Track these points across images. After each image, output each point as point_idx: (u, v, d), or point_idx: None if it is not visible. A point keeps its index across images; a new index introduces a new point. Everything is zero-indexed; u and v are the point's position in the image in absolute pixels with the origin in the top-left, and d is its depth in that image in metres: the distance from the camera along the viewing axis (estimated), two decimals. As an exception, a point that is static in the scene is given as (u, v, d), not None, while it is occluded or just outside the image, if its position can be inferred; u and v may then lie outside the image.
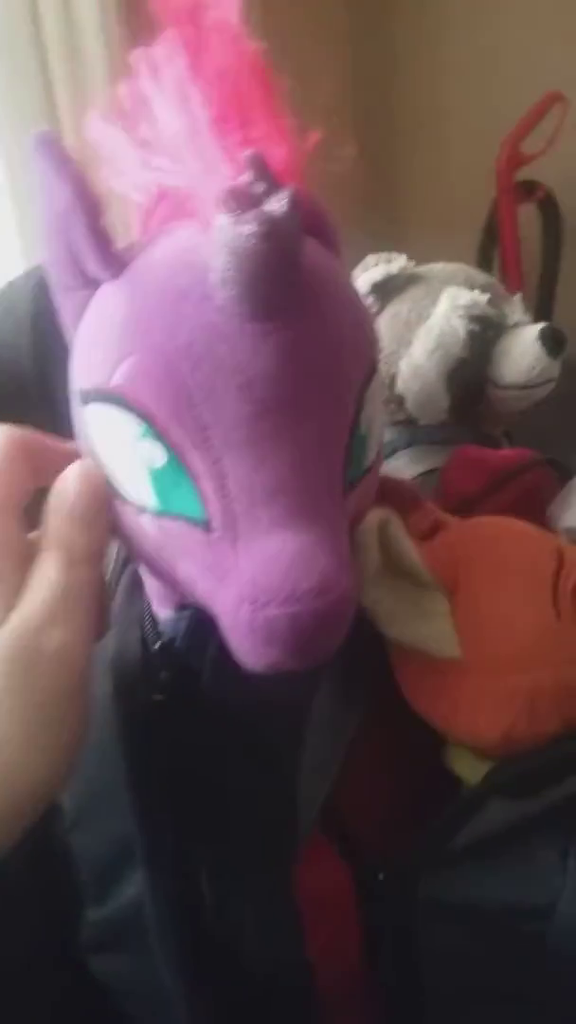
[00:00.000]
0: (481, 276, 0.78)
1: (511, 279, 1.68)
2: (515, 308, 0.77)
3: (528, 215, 1.67)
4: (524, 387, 0.74)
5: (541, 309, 1.68)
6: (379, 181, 1.62)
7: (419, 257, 0.79)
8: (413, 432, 0.75)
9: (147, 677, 0.43)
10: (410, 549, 0.42)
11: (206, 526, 0.34)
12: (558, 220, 1.67)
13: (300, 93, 0.35)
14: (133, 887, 0.45)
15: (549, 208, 1.67)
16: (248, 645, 0.33)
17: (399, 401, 0.74)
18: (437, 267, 0.78)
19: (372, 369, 0.37)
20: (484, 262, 1.69)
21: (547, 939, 0.43)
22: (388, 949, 0.47)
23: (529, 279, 1.70)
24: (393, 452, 0.75)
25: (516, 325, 0.75)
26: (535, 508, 0.66)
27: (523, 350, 0.73)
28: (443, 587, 0.43)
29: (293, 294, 0.33)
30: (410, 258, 0.76)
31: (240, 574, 0.33)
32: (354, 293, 0.38)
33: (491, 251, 1.68)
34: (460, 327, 0.72)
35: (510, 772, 0.44)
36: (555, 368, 0.74)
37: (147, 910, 0.44)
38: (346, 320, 0.35)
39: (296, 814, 0.44)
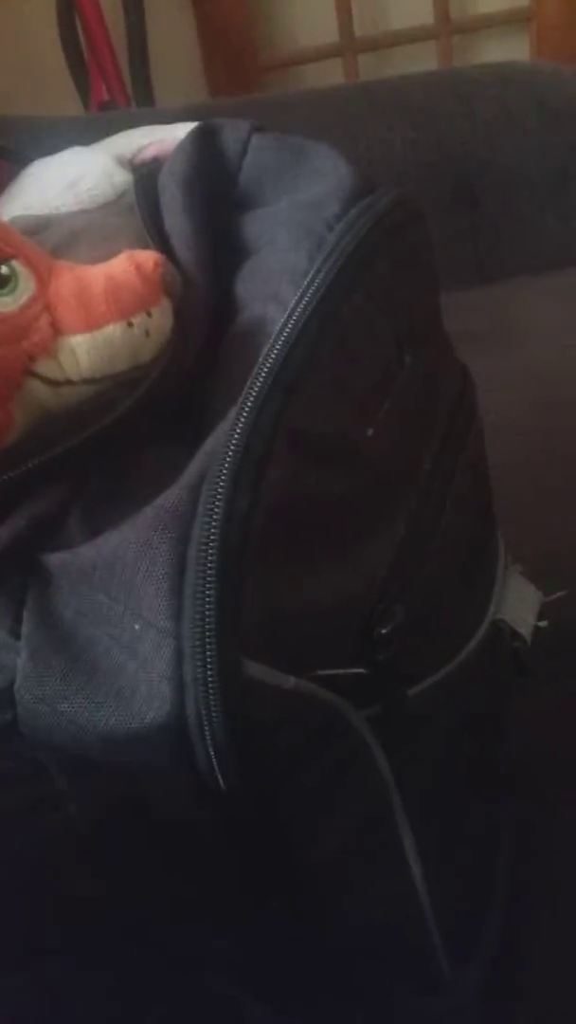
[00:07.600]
0: None
1: (99, 47, 1.51)
2: None
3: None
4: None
5: (137, 79, 1.53)
6: None
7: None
8: None
9: None
10: None
11: None
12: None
13: None
14: None
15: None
16: None
17: None
18: None
19: None
20: (68, 32, 1.50)
21: (19, 728, 0.36)
22: None
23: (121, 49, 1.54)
24: None
25: None
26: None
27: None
28: None
29: None
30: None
31: None
32: None
33: (72, 18, 1.50)
34: None
35: None
36: None
37: None
38: None
39: None
